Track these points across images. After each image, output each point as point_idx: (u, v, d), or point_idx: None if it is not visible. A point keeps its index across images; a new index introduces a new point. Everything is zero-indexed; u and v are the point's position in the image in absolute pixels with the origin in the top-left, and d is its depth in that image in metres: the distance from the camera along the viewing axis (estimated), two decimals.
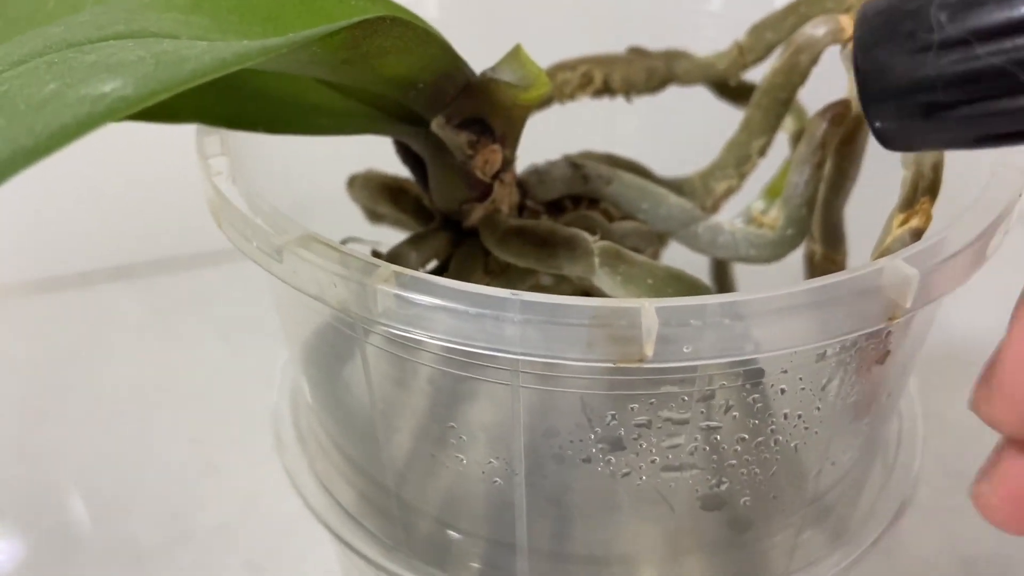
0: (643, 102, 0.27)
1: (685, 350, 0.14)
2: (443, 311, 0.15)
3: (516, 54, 0.19)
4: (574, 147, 0.26)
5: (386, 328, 0.15)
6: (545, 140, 0.25)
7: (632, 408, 0.16)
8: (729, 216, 0.28)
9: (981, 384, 0.15)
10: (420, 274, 0.15)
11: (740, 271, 0.29)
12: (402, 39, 0.17)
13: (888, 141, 0.14)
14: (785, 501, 0.19)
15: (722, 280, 0.27)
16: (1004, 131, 0.13)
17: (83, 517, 0.31)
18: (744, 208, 0.28)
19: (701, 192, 0.24)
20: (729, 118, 0.25)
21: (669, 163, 0.25)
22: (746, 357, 0.15)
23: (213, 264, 0.44)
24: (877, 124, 0.14)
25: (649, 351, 0.14)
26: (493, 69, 0.19)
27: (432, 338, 0.15)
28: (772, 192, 0.28)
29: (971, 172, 0.19)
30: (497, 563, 0.20)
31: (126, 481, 0.32)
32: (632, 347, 0.14)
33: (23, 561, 0.29)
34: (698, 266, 0.27)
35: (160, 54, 0.13)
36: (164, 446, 0.34)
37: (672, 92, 0.26)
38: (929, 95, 0.12)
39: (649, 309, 0.14)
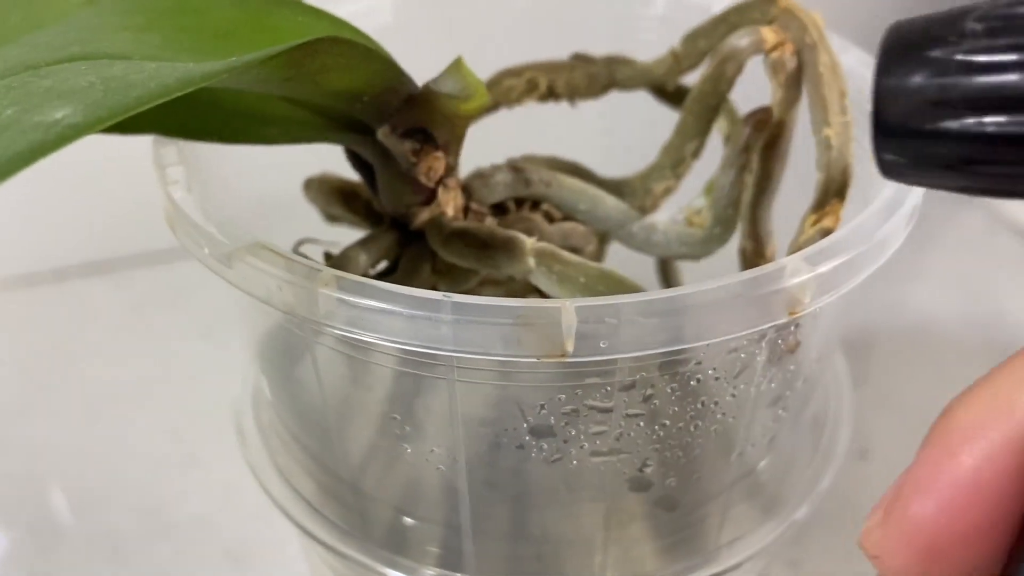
0: (593, 104, 0.28)
1: (602, 345, 0.16)
2: (381, 313, 0.16)
3: (457, 66, 0.21)
4: (526, 148, 0.27)
5: (329, 329, 0.17)
6: (499, 141, 0.26)
7: (560, 398, 0.17)
8: (671, 211, 0.29)
9: (875, 515, 0.14)
10: (360, 278, 0.16)
11: (686, 266, 0.30)
12: (344, 57, 0.18)
13: (891, 175, 0.13)
14: (709, 480, 0.20)
15: (667, 275, 0.28)
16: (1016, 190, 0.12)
17: (63, 510, 0.32)
18: (685, 204, 0.30)
19: (641, 192, 0.25)
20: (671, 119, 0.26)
21: (622, 162, 0.27)
22: (660, 351, 0.16)
23: (190, 258, 0.44)
24: (883, 157, 0.12)
25: (569, 347, 0.16)
26: (435, 81, 0.20)
27: (372, 338, 0.16)
28: (711, 189, 0.30)
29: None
30: (448, 545, 0.22)
31: (106, 474, 0.33)
32: (554, 343, 0.16)
33: (4, 555, 0.30)
34: (648, 263, 0.28)
35: (109, 80, 0.14)
36: (144, 439, 0.34)
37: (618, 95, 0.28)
38: (940, 149, 0.11)
39: (569, 308, 0.15)
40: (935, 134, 0.12)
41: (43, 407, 0.36)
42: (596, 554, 0.21)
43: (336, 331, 0.17)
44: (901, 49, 0.12)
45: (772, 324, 0.16)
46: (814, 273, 0.16)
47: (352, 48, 0.18)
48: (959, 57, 0.11)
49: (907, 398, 0.35)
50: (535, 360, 0.16)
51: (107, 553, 0.30)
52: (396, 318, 0.16)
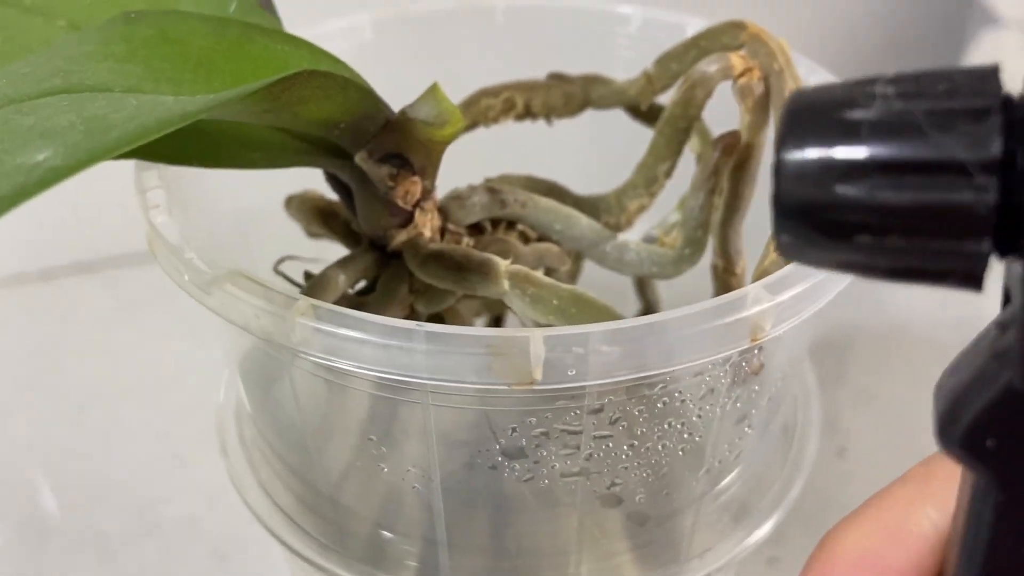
0: (570, 122, 0.29)
1: (570, 373, 0.16)
2: (356, 342, 0.17)
3: (432, 93, 0.21)
4: (502, 160, 0.27)
5: (306, 356, 0.17)
6: (476, 156, 0.27)
7: (530, 421, 0.18)
8: (645, 227, 0.30)
9: None
10: (336, 307, 0.17)
11: (662, 281, 0.31)
12: (321, 88, 0.18)
13: (790, 255, 0.11)
14: (678, 496, 0.21)
15: (644, 292, 0.29)
16: (922, 270, 0.11)
17: (51, 510, 0.32)
18: (659, 220, 0.30)
19: (616, 209, 0.26)
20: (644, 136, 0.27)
21: (596, 178, 0.27)
22: (626, 378, 0.17)
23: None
24: (782, 238, 0.11)
25: (538, 375, 0.16)
26: (411, 107, 0.21)
27: (348, 366, 0.17)
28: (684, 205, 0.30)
29: None
30: (425, 559, 0.22)
31: (94, 474, 0.33)
32: (523, 372, 0.16)
33: None
34: (626, 278, 0.29)
35: (90, 120, 0.15)
36: (131, 439, 0.34)
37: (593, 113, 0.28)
38: (844, 217, 0.10)
39: (537, 338, 0.16)
40: (841, 201, 0.11)
41: (29, 406, 0.36)
42: (570, 566, 0.21)
43: (312, 359, 0.17)
44: (802, 126, 0.11)
45: (736, 350, 0.17)
46: (774, 302, 0.17)
47: (329, 79, 0.19)
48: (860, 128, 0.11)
49: (884, 397, 0.36)
50: (506, 387, 0.16)
51: (95, 553, 0.30)
52: (371, 347, 0.17)
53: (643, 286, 0.31)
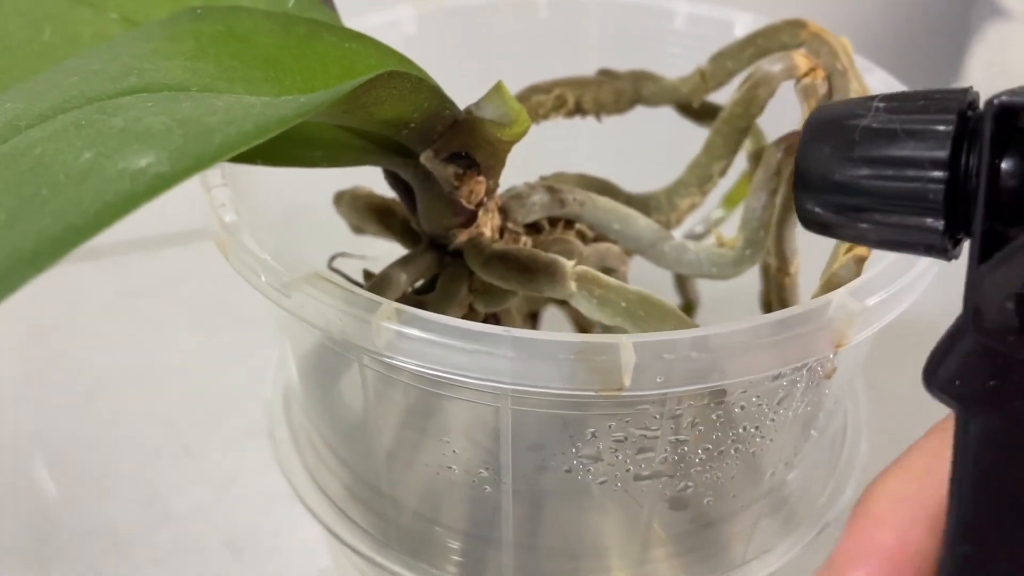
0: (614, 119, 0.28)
1: (658, 380, 0.16)
2: (440, 346, 0.16)
3: (498, 91, 0.21)
4: (548, 161, 0.27)
5: (389, 360, 0.17)
6: (524, 153, 0.27)
7: (610, 426, 0.18)
8: (691, 222, 0.30)
9: None
10: (419, 312, 0.17)
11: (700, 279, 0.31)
12: (397, 88, 0.18)
13: (808, 224, 0.16)
14: (743, 498, 0.21)
15: (684, 288, 0.29)
16: (895, 221, 0.14)
17: (60, 501, 0.32)
18: (704, 216, 0.30)
19: (667, 207, 0.26)
20: (690, 133, 0.27)
21: (638, 175, 0.27)
22: (710, 386, 0.17)
23: (182, 244, 0.44)
24: (802, 208, 0.16)
25: (627, 381, 0.16)
26: (477, 106, 0.21)
27: (432, 371, 0.17)
28: (730, 201, 0.30)
29: None
30: (484, 557, 0.22)
31: (102, 464, 0.33)
32: (612, 378, 0.16)
33: (1, 545, 0.30)
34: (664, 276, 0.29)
35: (185, 123, 0.15)
36: (139, 429, 0.34)
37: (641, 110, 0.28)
38: (844, 197, 0.15)
39: (627, 345, 0.16)
40: (833, 185, 0.15)
41: (35, 396, 0.36)
42: (634, 566, 0.21)
43: (394, 362, 0.17)
44: (821, 123, 0.15)
45: (817, 358, 0.17)
46: (860, 309, 0.17)
47: (405, 80, 0.18)
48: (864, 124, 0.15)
49: (894, 389, 0.36)
50: (593, 393, 0.16)
51: (105, 543, 0.30)
52: (455, 352, 0.16)
53: (683, 282, 0.30)
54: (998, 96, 0.13)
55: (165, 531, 0.31)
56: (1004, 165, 0.13)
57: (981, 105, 0.13)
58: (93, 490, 0.32)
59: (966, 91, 0.14)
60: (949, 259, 0.15)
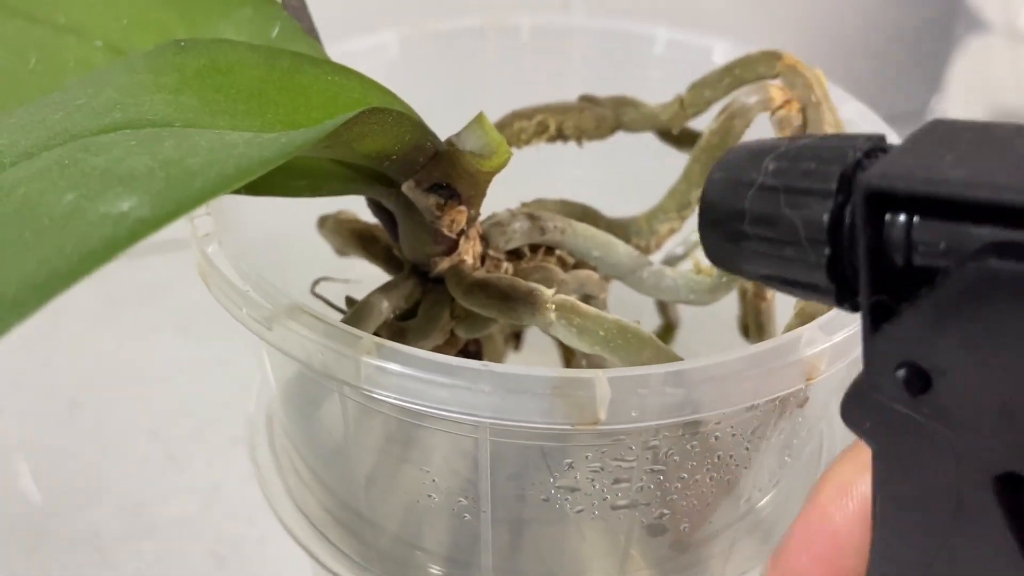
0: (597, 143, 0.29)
1: (633, 414, 0.17)
2: (419, 380, 0.17)
3: (479, 123, 0.21)
4: (531, 185, 0.28)
5: (369, 393, 0.17)
6: (505, 178, 0.27)
7: (587, 456, 0.18)
8: (671, 244, 0.30)
9: (768, 563, 0.16)
10: (399, 346, 0.17)
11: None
12: (379, 124, 0.19)
13: (712, 259, 0.16)
14: (719, 523, 0.21)
15: (665, 310, 0.29)
16: (786, 277, 0.14)
17: (45, 510, 0.32)
18: (684, 238, 0.31)
19: (647, 232, 0.26)
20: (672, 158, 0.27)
21: (620, 199, 0.28)
22: (685, 419, 0.17)
23: (167, 252, 0.44)
24: (704, 242, 0.15)
25: (603, 416, 0.16)
26: (458, 137, 0.21)
27: (411, 405, 0.17)
28: None
29: None
30: None
31: (87, 474, 0.33)
32: (588, 412, 0.16)
33: None
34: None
35: (167, 164, 0.15)
36: (123, 438, 0.34)
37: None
38: (738, 224, 0.14)
39: (603, 380, 0.16)
40: (731, 213, 0.14)
41: (19, 405, 0.36)
42: None
43: (374, 395, 0.17)
44: (726, 167, 0.15)
45: (790, 391, 0.17)
46: (830, 343, 0.17)
47: (386, 115, 0.19)
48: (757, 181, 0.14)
49: None
50: (569, 427, 0.17)
51: (89, 553, 0.30)
52: (434, 386, 0.17)
53: (664, 305, 0.31)
54: (868, 174, 0.12)
55: (150, 541, 0.31)
56: (886, 241, 0.12)
57: (883, 150, 0.13)
58: (77, 499, 0.32)
59: (853, 143, 0.13)
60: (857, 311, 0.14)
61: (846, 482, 0.16)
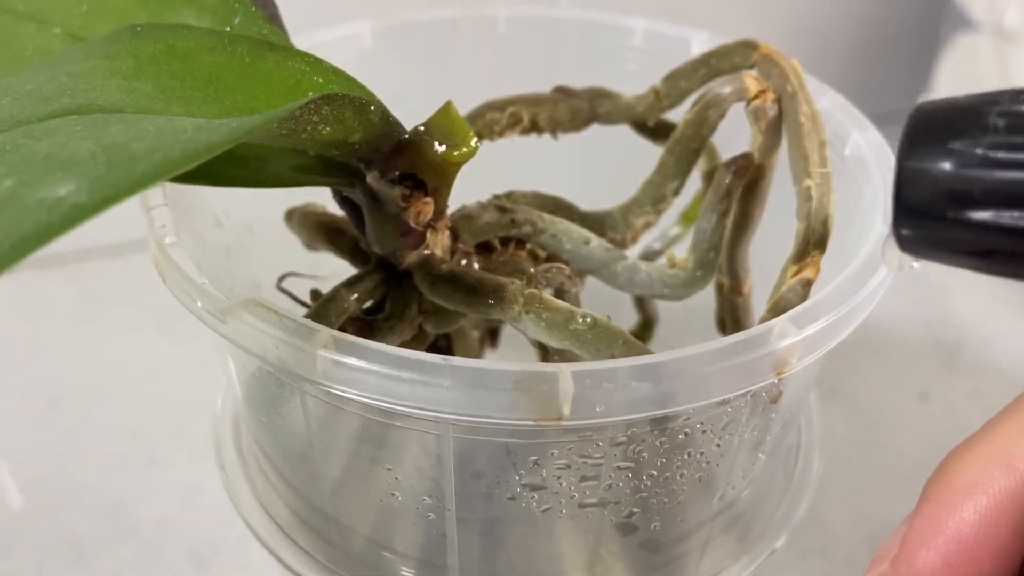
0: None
1: (598, 409, 0.16)
2: (378, 375, 0.16)
3: (446, 112, 0.21)
4: (504, 177, 0.27)
5: (326, 388, 0.17)
6: (478, 170, 0.27)
7: (552, 453, 0.18)
8: (649, 238, 0.30)
9: (879, 565, 0.15)
10: (356, 339, 0.17)
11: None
12: (338, 111, 0.18)
13: (909, 250, 0.13)
14: (691, 521, 0.21)
15: (643, 306, 0.29)
16: None
17: (22, 512, 0.31)
18: (662, 233, 0.30)
19: (622, 226, 0.26)
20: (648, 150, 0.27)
21: (595, 192, 0.27)
22: (652, 414, 0.16)
23: (146, 250, 0.43)
24: (903, 232, 0.13)
25: (566, 411, 0.16)
26: (424, 127, 0.21)
27: (369, 399, 0.16)
28: (687, 218, 0.30)
29: (863, 227, 0.21)
30: None
31: (65, 475, 0.32)
32: (551, 408, 0.16)
33: None
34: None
35: (110, 149, 0.14)
36: (103, 439, 0.34)
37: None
38: (976, 236, 0.11)
39: (566, 373, 0.16)
40: (954, 222, 0.12)
41: None
42: None
43: (331, 390, 0.17)
44: (925, 135, 0.12)
45: (760, 385, 0.17)
46: (801, 336, 0.17)
47: (346, 102, 0.18)
48: (980, 152, 0.11)
49: (855, 396, 0.36)
50: (532, 423, 0.16)
51: (68, 555, 0.30)
52: (393, 380, 0.16)
53: (642, 300, 0.30)
54: None
55: (129, 542, 0.30)
56: None
57: None
58: (56, 501, 0.31)
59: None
60: None
61: (978, 479, 0.14)
